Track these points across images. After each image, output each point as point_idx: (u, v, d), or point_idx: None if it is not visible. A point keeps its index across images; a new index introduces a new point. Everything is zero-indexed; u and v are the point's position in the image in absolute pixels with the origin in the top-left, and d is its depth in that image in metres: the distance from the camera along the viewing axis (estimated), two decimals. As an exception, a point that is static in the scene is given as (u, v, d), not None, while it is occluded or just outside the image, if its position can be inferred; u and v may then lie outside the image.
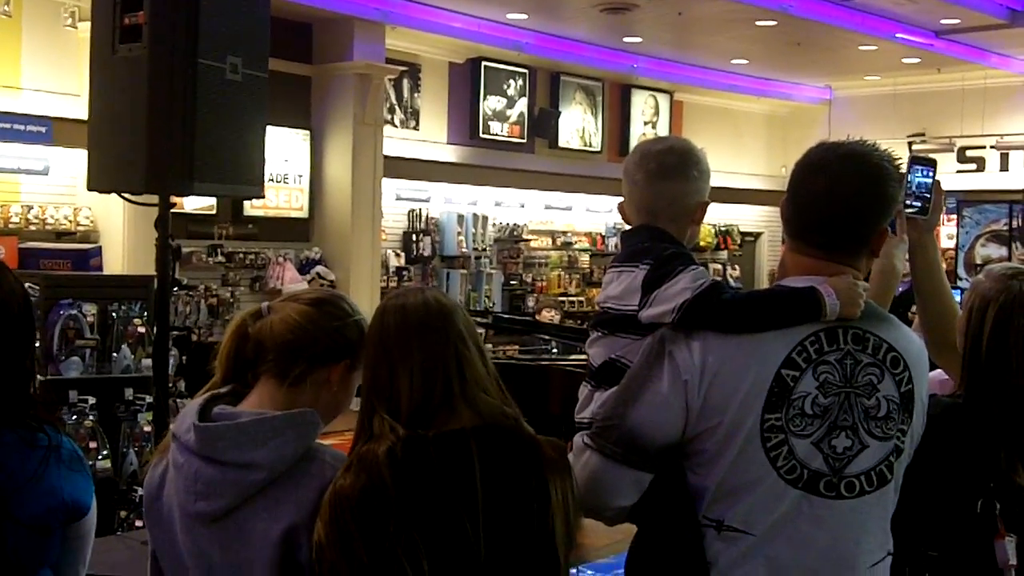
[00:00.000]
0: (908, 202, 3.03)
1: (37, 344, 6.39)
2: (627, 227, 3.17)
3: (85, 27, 11.57)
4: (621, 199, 3.19)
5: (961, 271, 17.93)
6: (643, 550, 2.72)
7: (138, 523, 6.49)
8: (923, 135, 20.89)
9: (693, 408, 2.55)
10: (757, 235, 23.57)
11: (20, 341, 2.69)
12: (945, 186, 3.16)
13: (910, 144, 20.31)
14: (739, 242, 22.69)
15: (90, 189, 5.53)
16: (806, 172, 2.69)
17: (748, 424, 2.52)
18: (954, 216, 18.91)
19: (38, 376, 6.29)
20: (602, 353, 2.99)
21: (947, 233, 19.32)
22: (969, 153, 20.87)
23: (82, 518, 2.74)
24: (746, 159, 22.08)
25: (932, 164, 3.11)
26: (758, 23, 16.38)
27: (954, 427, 3.00)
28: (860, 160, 2.65)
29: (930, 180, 3.08)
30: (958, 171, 20.39)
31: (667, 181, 3.06)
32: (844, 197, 2.62)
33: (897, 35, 17.31)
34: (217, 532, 2.50)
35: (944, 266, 3.30)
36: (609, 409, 2.68)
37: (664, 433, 2.58)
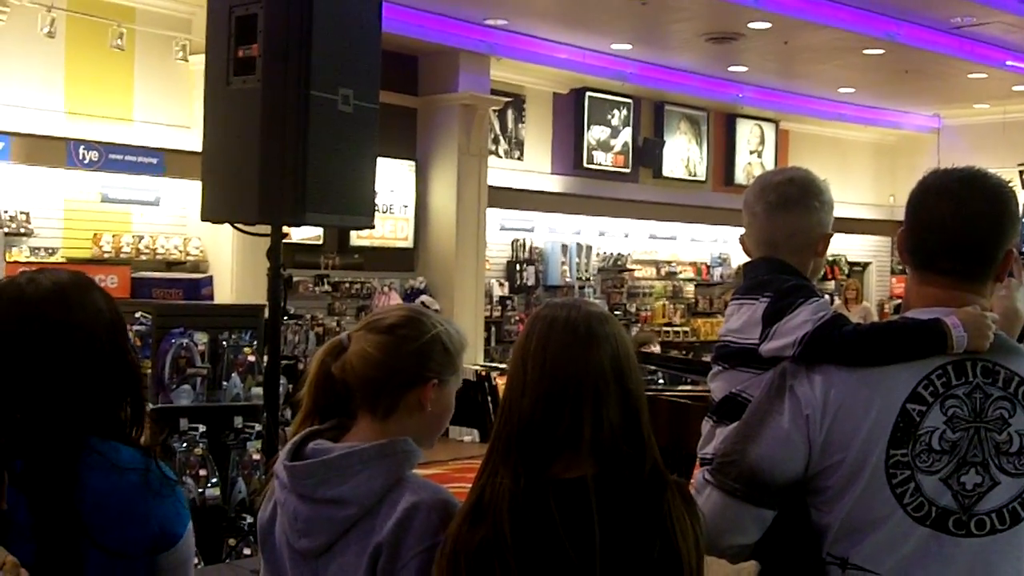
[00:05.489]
0: (1023, 248, 2.95)
1: (148, 372, 6.49)
2: (747, 259, 3.12)
3: (196, 60, 11.83)
4: (740, 231, 3.16)
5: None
6: (765, 588, 2.66)
7: (246, 551, 6.52)
8: (1034, 164, 20.53)
9: (815, 444, 2.49)
10: (865, 265, 23.31)
11: (107, 361, 2.60)
12: (1058, 216, 3.06)
13: (1021, 172, 19.94)
14: (847, 272, 22.45)
15: (203, 219, 5.59)
16: (927, 198, 2.62)
17: (872, 460, 2.44)
18: (1069, 247, 18.49)
19: (148, 404, 6.31)
20: (724, 387, 2.95)
21: (1062, 264, 18.91)
22: (1082, 182, 20.43)
23: (172, 546, 2.58)
24: (853, 188, 21.83)
25: None
26: (865, 52, 16.24)
27: None
28: (981, 181, 2.60)
29: None
30: (1071, 201, 19.94)
31: (787, 213, 3.02)
32: (971, 218, 2.55)
33: (1007, 63, 17.06)
34: (319, 568, 2.50)
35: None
36: (730, 445, 2.62)
37: (786, 469, 2.52)
